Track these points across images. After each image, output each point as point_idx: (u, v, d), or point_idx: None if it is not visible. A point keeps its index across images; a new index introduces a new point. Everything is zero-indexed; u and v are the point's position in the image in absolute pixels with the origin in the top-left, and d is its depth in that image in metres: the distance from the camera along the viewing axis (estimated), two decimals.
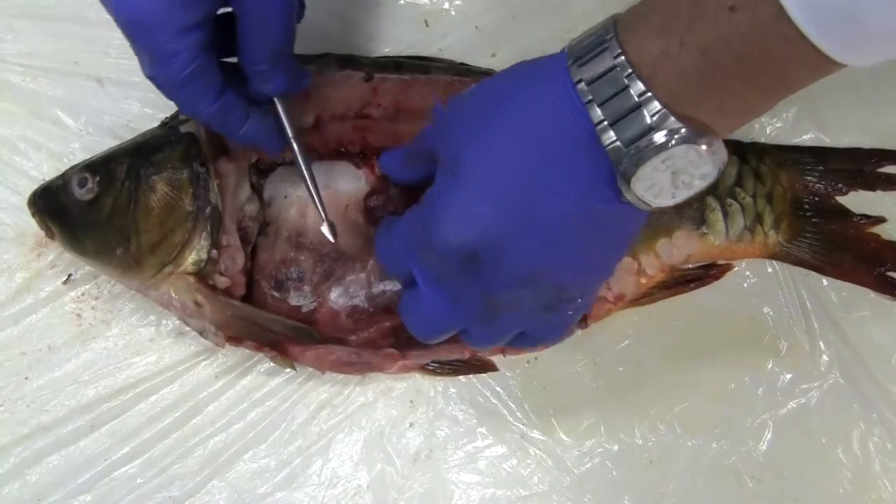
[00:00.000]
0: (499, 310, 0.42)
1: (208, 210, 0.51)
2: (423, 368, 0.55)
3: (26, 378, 0.56)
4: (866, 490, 0.55)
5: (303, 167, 0.49)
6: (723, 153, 0.37)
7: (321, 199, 0.49)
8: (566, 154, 0.38)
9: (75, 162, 0.54)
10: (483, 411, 0.57)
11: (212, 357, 0.57)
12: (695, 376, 0.57)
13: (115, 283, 0.57)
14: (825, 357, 0.56)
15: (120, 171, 0.51)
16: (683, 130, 0.36)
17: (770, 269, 0.58)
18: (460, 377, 0.57)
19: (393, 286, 0.54)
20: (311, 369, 0.56)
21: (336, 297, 0.54)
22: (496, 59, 0.58)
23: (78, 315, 0.57)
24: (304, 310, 0.54)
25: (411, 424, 0.57)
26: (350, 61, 0.54)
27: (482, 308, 0.42)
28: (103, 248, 0.51)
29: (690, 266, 0.57)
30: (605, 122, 0.37)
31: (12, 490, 0.55)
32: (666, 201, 0.38)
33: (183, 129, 0.52)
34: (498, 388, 0.57)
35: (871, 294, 0.57)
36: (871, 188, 0.56)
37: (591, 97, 0.37)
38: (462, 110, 0.43)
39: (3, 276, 0.57)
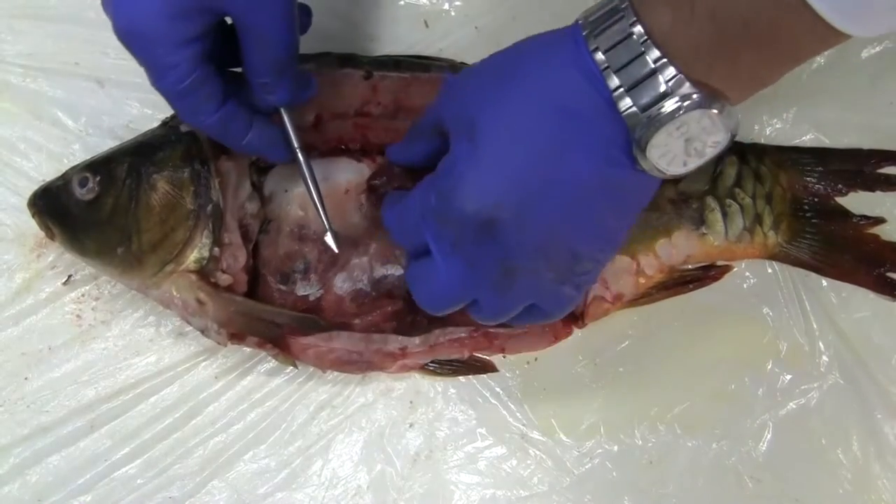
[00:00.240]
0: (513, 278, 0.42)
1: (209, 208, 0.51)
2: (423, 368, 0.55)
3: (26, 378, 0.56)
4: (866, 490, 0.55)
5: (307, 177, 0.49)
6: (735, 120, 0.38)
7: (325, 208, 0.49)
8: (583, 120, 0.39)
9: (75, 163, 0.54)
10: (483, 412, 0.57)
11: (212, 357, 0.57)
12: (694, 377, 0.57)
13: (116, 284, 0.57)
14: (825, 358, 0.56)
15: (121, 171, 0.51)
16: (697, 96, 0.37)
17: (770, 270, 0.58)
18: (460, 378, 0.57)
19: (395, 270, 0.54)
20: (311, 369, 0.56)
21: (341, 282, 0.54)
22: None
23: (78, 316, 0.57)
24: (312, 298, 0.54)
25: (411, 425, 0.57)
26: (350, 60, 0.54)
27: (497, 277, 0.42)
28: (104, 247, 0.51)
29: (689, 267, 0.57)
30: (622, 89, 0.38)
31: (12, 490, 0.55)
32: (678, 169, 0.39)
33: (183, 128, 0.52)
34: (498, 389, 0.57)
35: (871, 295, 0.57)
36: (871, 189, 0.56)
37: (607, 65, 0.38)
38: (474, 79, 0.43)
39: (3, 276, 0.57)
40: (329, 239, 0.49)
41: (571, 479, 0.56)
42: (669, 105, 0.37)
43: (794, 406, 0.56)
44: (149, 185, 0.50)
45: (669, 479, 0.56)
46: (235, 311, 0.51)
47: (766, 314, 0.57)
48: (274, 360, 0.55)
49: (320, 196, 0.49)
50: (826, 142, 0.58)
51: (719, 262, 0.57)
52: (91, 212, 0.51)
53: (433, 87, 0.53)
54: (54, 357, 0.57)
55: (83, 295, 0.57)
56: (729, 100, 0.38)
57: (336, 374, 0.56)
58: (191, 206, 0.51)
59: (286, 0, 0.43)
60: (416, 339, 0.53)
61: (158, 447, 0.56)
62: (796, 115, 0.58)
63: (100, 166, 0.51)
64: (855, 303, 0.57)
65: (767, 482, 0.56)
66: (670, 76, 0.37)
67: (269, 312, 0.52)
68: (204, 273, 0.51)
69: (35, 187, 0.53)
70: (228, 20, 0.44)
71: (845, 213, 0.56)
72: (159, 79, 0.43)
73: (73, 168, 0.53)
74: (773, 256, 0.57)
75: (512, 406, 0.57)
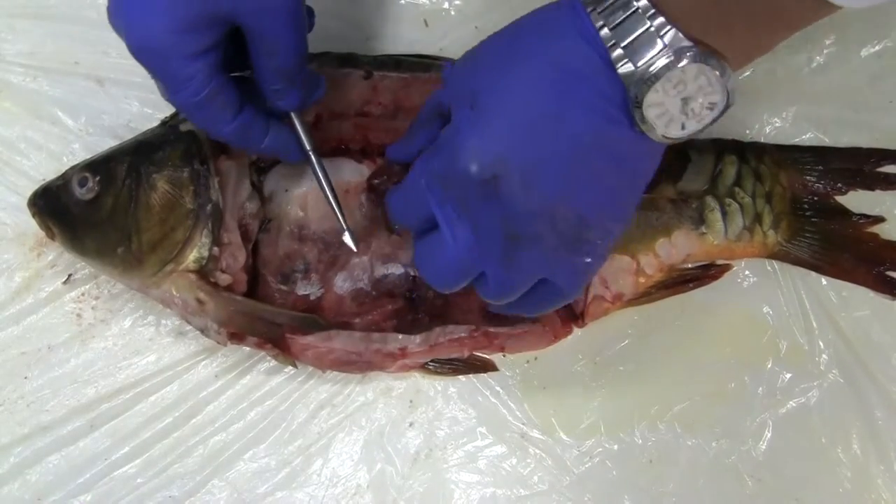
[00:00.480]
0: (519, 244, 0.42)
1: (209, 208, 0.51)
2: (423, 368, 0.55)
3: (26, 378, 0.56)
4: (866, 489, 0.55)
5: (321, 178, 0.49)
6: (731, 81, 0.38)
7: (341, 207, 0.49)
8: (582, 79, 0.39)
9: (75, 162, 0.54)
10: (483, 411, 0.57)
11: (212, 356, 0.57)
12: (694, 376, 0.57)
13: (115, 283, 0.57)
14: (825, 356, 0.57)
15: (120, 171, 0.51)
16: (693, 51, 0.37)
17: (769, 269, 0.58)
18: (460, 377, 0.57)
19: (395, 269, 0.54)
20: (311, 369, 0.56)
21: (341, 282, 0.54)
22: None
23: (78, 315, 0.57)
24: (312, 297, 0.54)
25: (411, 424, 0.57)
26: (350, 60, 0.55)
27: (503, 242, 0.42)
28: (104, 247, 0.51)
29: (689, 266, 0.57)
30: (620, 49, 0.38)
31: (12, 490, 0.55)
32: (676, 132, 0.39)
33: (183, 127, 0.52)
34: (498, 388, 0.57)
35: (871, 293, 0.57)
36: (871, 188, 0.57)
37: (602, 23, 0.38)
38: (474, 58, 0.43)
39: (3, 276, 0.57)
40: (347, 238, 0.50)
41: (571, 477, 0.56)
42: (666, 58, 0.38)
43: (793, 405, 0.56)
44: (148, 185, 0.50)
45: (669, 478, 0.56)
46: (235, 311, 0.51)
47: (765, 313, 0.57)
48: (274, 360, 0.55)
49: (336, 196, 0.49)
50: (826, 141, 0.58)
51: (719, 261, 0.57)
52: (91, 211, 0.51)
53: (433, 87, 0.53)
54: (54, 356, 0.57)
55: (83, 294, 0.57)
56: (727, 61, 0.38)
57: (336, 373, 0.56)
58: (190, 206, 0.51)
59: (295, 7, 0.43)
60: (417, 339, 0.53)
61: (158, 446, 0.56)
62: (796, 114, 0.58)
63: (99, 166, 0.51)
64: (855, 301, 0.57)
65: (767, 481, 0.56)
66: (668, 35, 0.38)
67: (269, 312, 0.52)
68: (203, 273, 0.51)
69: (35, 186, 0.53)
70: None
71: (845, 212, 0.56)
72: (176, 92, 0.43)
73: (72, 168, 0.53)
74: (772, 255, 0.57)
75: (512, 405, 0.57)
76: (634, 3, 0.38)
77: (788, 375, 0.56)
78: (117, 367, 0.57)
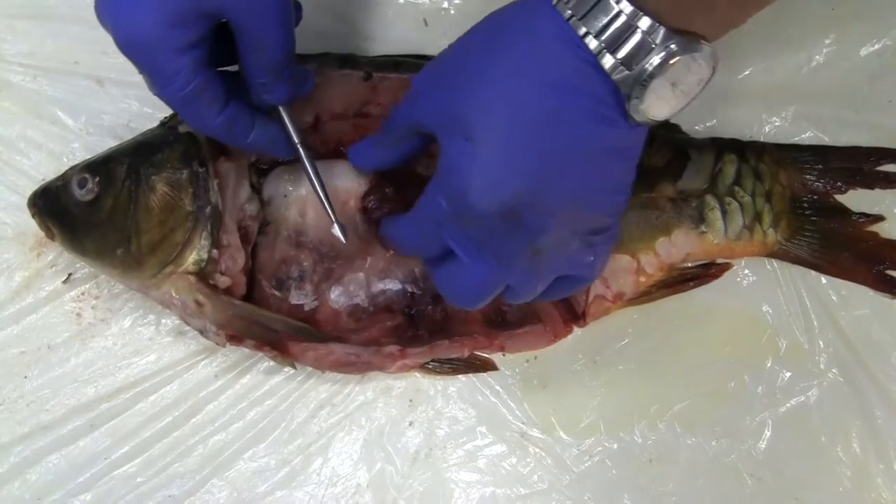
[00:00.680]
0: (542, 256, 0.42)
1: (208, 209, 0.51)
2: (423, 367, 0.55)
3: (26, 377, 0.56)
4: (866, 488, 0.55)
5: (310, 172, 0.49)
6: (715, 57, 0.39)
7: (330, 200, 0.49)
8: (571, 89, 0.39)
9: (75, 161, 0.54)
10: (482, 410, 0.57)
11: (211, 356, 0.57)
12: (694, 375, 0.57)
13: (115, 283, 0.57)
14: (824, 355, 0.57)
15: (120, 172, 0.51)
16: (678, 44, 0.38)
17: (769, 268, 0.58)
18: (460, 376, 0.57)
19: (392, 285, 0.54)
20: (310, 368, 0.56)
21: (336, 296, 0.54)
22: None
23: (78, 314, 0.57)
24: (306, 308, 0.54)
25: (411, 423, 0.57)
26: (349, 60, 0.54)
27: (527, 260, 0.42)
28: (104, 248, 0.51)
29: (689, 265, 0.57)
30: (603, 49, 0.38)
31: (12, 489, 0.55)
32: (667, 113, 0.40)
33: (182, 128, 0.52)
34: (497, 387, 0.57)
35: (870, 292, 0.57)
36: (870, 186, 0.57)
37: (585, 29, 0.38)
38: (447, 71, 0.43)
39: (3, 275, 0.57)
40: (336, 231, 0.49)
41: (571, 476, 0.56)
42: (654, 59, 0.38)
43: (793, 404, 0.56)
44: (148, 187, 0.50)
45: (669, 477, 0.56)
46: (233, 314, 0.51)
47: (765, 312, 0.57)
48: (273, 361, 0.55)
49: (324, 189, 0.49)
50: (825, 140, 0.58)
51: (719, 260, 0.57)
52: (90, 212, 0.51)
53: None
54: (54, 356, 0.57)
55: (83, 293, 0.57)
56: (707, 39, 0.39)
57: (336, 373, 0.56)
58: (189, 208, 0.50)
59: (281, 2, 0.43)
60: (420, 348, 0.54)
61: (158, 446, 0.56)
62: (795, 113, 0.58)
63: (99, 167, 0.51)
64: (854, 300, 0.57)
65: (767, 480, 0.56)
66: (656, 34, 0.38)
67: (267, 318, 0.52)
68: (203, 275, 0.51)
69: (35, 186, 0.53)
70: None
71: (844, 211, 0.56)
72: (162, 86, 0.43)
73: (72, 168, 0.53)
74: (772, 254, 0.57)
75: (512, 404, 0.57)
76: (615, 6, 0.37)
77: (788, 374, 0.56)
78: (117, 366, 0.57)
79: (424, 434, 0.56)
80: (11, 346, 0.57)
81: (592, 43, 0.38)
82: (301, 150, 0.49)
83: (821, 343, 0.57)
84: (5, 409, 0.56)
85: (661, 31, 0.37)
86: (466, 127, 0.40)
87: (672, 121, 0.58)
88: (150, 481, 0.55)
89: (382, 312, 0.54)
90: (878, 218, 0.56)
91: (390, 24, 0.59)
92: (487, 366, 0.56)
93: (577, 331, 0.55)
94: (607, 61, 0.38)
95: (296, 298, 0.54)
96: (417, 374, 0.57)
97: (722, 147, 0.56)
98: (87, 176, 0.51)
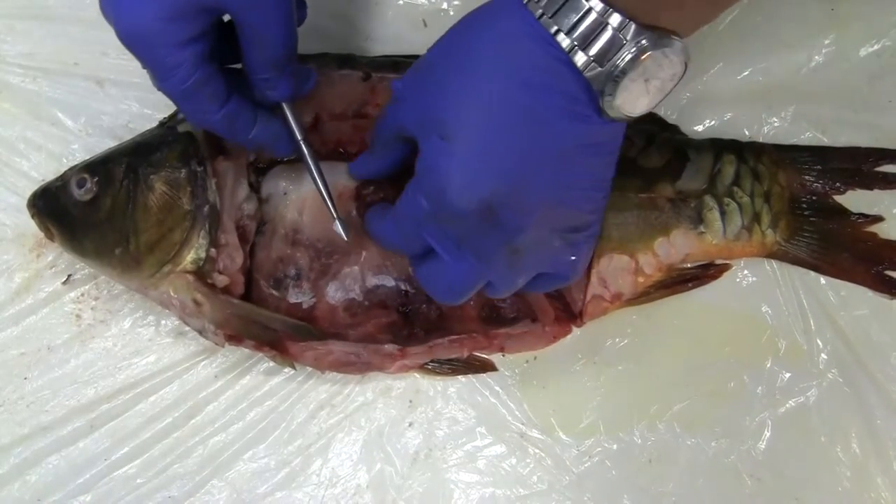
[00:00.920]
0: (521, 255, 0.43)
1: (206, 209, 0.51)
2: (422, 368, 0.55)
3: (26, 378, 0.57)
4: (865, 488, 0.55)
5: (312, 169, 0.49)
6: (687, 51, 0.39)
7: (332, 197, 0.50)
8: (544, 88, 0.39)
9: (75, 163, 0.54)
10: (482, 411, 0.57)
11: (211, 357, 0.57)
12: (694, 375, 0.57)
13: (115, 284, 0.57)
14: (823, 356, 0.57)
15: (118, 172, 0.51)
16: (647, 40, 0.38)
17: (768, 269, 0.58)
18: (459, 377, 0.57)
19: (387, 281, 0.54)
20: (310, 369, 0.56)
21: (333, 291, 0.54)
22: None
23: (77, 315, 0.57)
24: (304, 306, 0.54)
25: (410, 424, 0.57)
26: (348, 61, 0.54)
27: (506, 256, 0.43)
28: (102, 248, 0.51)
29: (688, 265, 0.57)
30: (576, 47, 0.38)
31: (12, 490, 0.55)
32: (641, 109, 0.40)
33: (181, 128, 0.52)
34: (497, 388, 0.57)
35: (869, 293, 0.57)
36: (869, 187, 0.57)
37: (556, 27, 0.38)
38: (425, 75, 0.43)
39: (3, 276, 0.57)
40: (338, 227, 0.50)
41: (571, 477, 0.56)
42: (626, 54, 0.38)
43: (793, 404, 0.56)
44: (146, 186, 0.51)
45: (669, 478, 0.56)
46: (232, 314, 0.51)
47: (764, 312, 0.57)
48: (272, 361, 0.55)
49: (327, 186, 0.49)
50: (824, 140, 0.58)
51: (718, 261, 0.57)
52: (89, 212, 0.51)
53: None
54: (54, 357, 0.57)
55: (82, 294, 0.57)
56: (678, 34, 0.39)
57: (335, 373, 0.56)
58: (188, 207, 0.51)
59: None
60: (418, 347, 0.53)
61: (158, 447, 0.56)
62: (794, 113, 0.58)
63: (97, 167, 0.51)
64: (853, 301, 0.57)
65: (767, 480, 0.56)
66: (626, 30, 0.38)
67: (265, 317, 0.52)
68: (201, 274, 0.51)
69: (34, 187, 0.53)
70: (227, 18, 0.44)
71: (843, 212, 0.56)
72: (163, 80, 0.43)
73: (71, 169, 0.53)
74: (771, 255, 0.57)
75: (511, 405, 0.57)
76: (585, 3, 0.38)
77: (787, 375, 0.56)
78: (117, 367, 0.57)
79: (424, 435, 0.56)
80: (11, 347, 0.57)
81: (564, 41, 0.39)
82: (304, 146, 0.49)
83: (820, 343, 0.57)
84: (5, 410, 0.56)
85: (632, 27, 0.38)
86: (442, 126, 0.40)
87: (671, 121, 0.58)
88: (149, 482, 0.55)
89: (377, 308, 0.54)
90: (877, 218, 0.56)
91: (390, 25, 0.59)
92: (487, 366, 0.56)
93: (576, 331, 0.55)
94: (579, 59, 0.39)
95: (294, 297, 0.54)
96: (417, 375, 0.57)
97: (721, 147, 0.56)
98: (85, 176, 0.51)
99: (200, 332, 0.52)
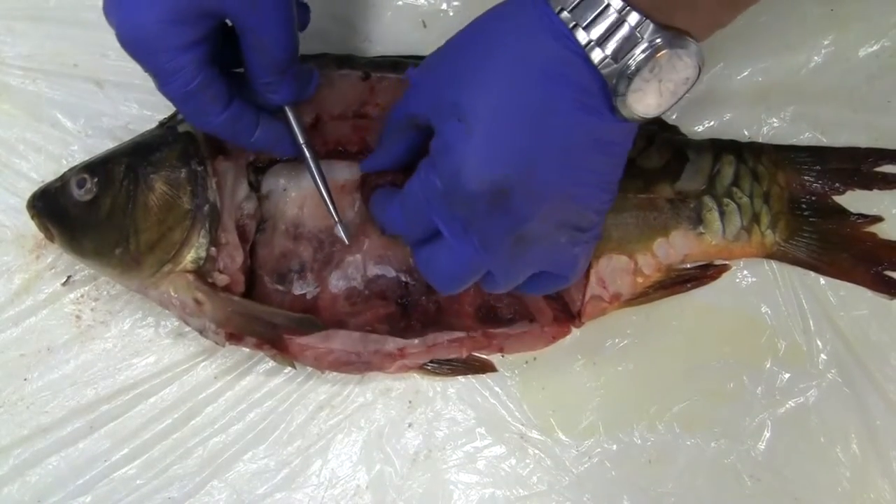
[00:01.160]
0: (526, 245, 0.43)
1: (206, 208, 0.51)
2: (422, 368, 0.55)
3: (26, 379, 0.57)
4: (865, 489, 0.55)
5: (314, 171, 0.50)
6: (702, 56, 0.40)
7: (333, 200, 0.50)
8: (561, 78, 0.40)
9: (74, 164, 0.54)
10: (482, 411, 0.57)
11: (211, 358, 0.57)
12: (693, 376, 0.57)
13: (115, 285, 0.57)
14: (823, 356, 0.57)
15: (118, 172, 0.51)
16: (662, 38, 0.39)
17: (768, 269, 0.58)
18: (459, 377, 0.57)
19: (387, 272, 0.54)
20: (310, 370, 0.56)
21: (336, 280, 0.54)
22: None
23: (77, 316, 0.57)
24: (308, 297, 0.54)
25: (410, 425, 0.57)
26: (347, 61, 0.55)
27: (511, 245, 0.43)
28: (103, 248, 0.51)
29: (687, 266, 0.57)
30: (592, 42, 0.39)
31: (12, 491, 0.55)
32: (653, 111, 0.41)
33: (181, 128, 0.52)
34: (497, 389, 0.57)
35: (869, 293, 0.57)
36: (868, 187, 0.57)
37: (574, 23, 0.39)
38: (443, 61, 0.44)
39: (3, 278, 0.57)
40: (339, 231, 0.50)
41: (570, 478, 0.56)
42: (640, 52, 0.39)
43: (792, 404, 0.56)
44: (146, 186, 0.51)
45: (668, 478, 0.56)
46: (233, 312, 0.51)
47: (764, 313, 0.57)
48: (273, 361, 0.55)
49: (328, 189, 0.50)
50: (823, 140, 0.58)
51: (717, 262, 0.57)
52: (89, 212, 0.51)
53: None
54: (53, 358, 0.57)
55: (82, 296, 0.57)
56: (694, 37, 0.40)
57: (335, 374, 0.56)
58: (188, 206, 0.51)
59: (283, 1, 0.44)
60: (415, 340, 0.53)
61: (158, 448, 0.56)
62: (794, 113, 0.58)
63: (97, 167, 0.52)
64: (853, 301, 0.57)
65: (766, 481, 0.56)
66: (643, 28, 0.39)
67: (267, 313, 0.52)
68: (201, 273, 0.51)
69: (34, 188, 0.53)
70: (229, 22, 0.44)
71: (843, 212, 0.56)
72: (165, 83, 0.44)
73: (71, 169, 0.53)
74: (770, 255, 0.57)
75: (511, 405, 0.57)
76: (604, 0, 0.39)
77: (787, 375, 0.56)
78: (117, 368, 0.57)
79: (424, 435, 0.56)
80: (11, 348, 0.57)
81: (582, 36, 0.39)
82: (306, 150, 0.49)
83: (819, 344, 0.57)
84: (5, 411, 0.56)
85: (650, 26, 0.39)
86: (460, 109, 0.41)
87: (670, 122, 0.58)
88: (149, 483, 0.55)
89: (376, 298, 0.54)
90: (877, 219, 0.56)
91: (389, 26, 0.59)
92: (486, 367, 0.56)
93: (575, 332, 0.55)
94: (596, 55, 0.39)
95: (299, 289, 0.54)
96: (416, 376, 0.57)
97: (720, 148, 0.56)
98: (85, 176, 0.51)
99: (201, 332, 0.52)
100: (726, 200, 0.55)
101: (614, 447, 0.56)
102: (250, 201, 0.53)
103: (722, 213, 0.55)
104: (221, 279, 0.52)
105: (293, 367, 0.54)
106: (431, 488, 0.56)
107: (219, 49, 0.45)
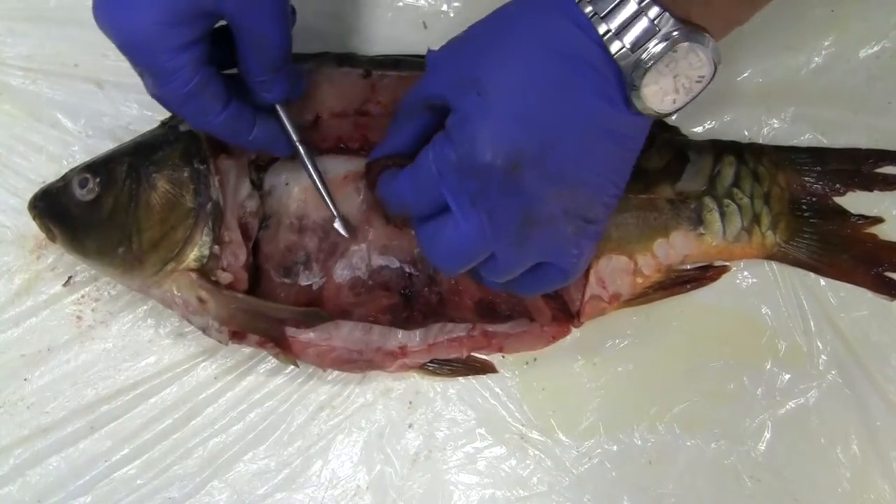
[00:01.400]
0: (533, 226, 0.43)
1: (209, 206, 0.51)
2: (422, 369, 0.55)
3: (26, 380, 0.57)
4: (865, 489, 0.55)
5: (310, 169, 0.50)
6: (718, 53, 0.40)
7: (331, 195, 0.50)
8: (580, 64, 0.41)
9: (75, 164, 0.54)
10: (482, 412, 0.57)
11: (211, 358, 0.57)
12: (693, 376, 0.57)
13: (115, 285, 0.57)
14: (823, 357, 0.57)
15: (120, 171, 0.51)
16: (680, 32, 0.39)
17: (768, 270, 0.58)
18: (459, 378, 0.57)
19: (391, 262, 0.54)
20: (311, 370, 0.56)
21: (341, 269, 0.54)
22: None
23: (78, 317, 0.57)
24: (314, 287, 0.54)
25: (410, 425, 0.57)
26: (348, 59, 0.55)
27: (517, 227, 0.43)
28: (105, 247, 0.51)
29: (687, 267, 0.57)
30: (611, 33, 0.40)
31: (12, 491, 0.55)
32: (668, 107, 0.41)
33: (182, 127, 0.52)
34: (497, 389, 0.57)
35: (869, 294, 0.57)
36: (869, 188, 0.57)
37: (595, 12, 0.40)
38: (464, 44, 0.45)
39: (3, 278, 0.57)
40: (338, 225, 0.51)
41: (570, 478, 0.56)
42: (656, 44, 0.39)
43: (792, 405, 0.56)
44: (148, 185, 0.51)
45: (669, 479, 0.56)
46: (236, 309, 0.51)
47: (764, 314, 0.57)
48: (274, 361, 0.55)
49: (325, 184, 0.50)
50: (824, 141, 0.58)
51: (717, 263, 0.57)
52: (91, 212, 0.51)
53: None
54: (54, 358, 0.57)
55: (83, 296, 0.58)
56: (712, 34, 0.40)
57: (336, 374, 0.56)
58: (190, 205, 0.51)
59: (279, 1, 0.44)
60: (416, 336, 0.53)
61: (158, 448, 0.56)
62: (794, 114, 0.58)
63: (99, 166, 0.52)
64: (853, 302, 0.57)
65: (766, 481, 0.56)
66: (661, 21, 0.39)
67: (271, 308, 0.52)
68: (204, 271, 0.51)
69: (35, 189, 0.53)
70: (220, 24, 0.45)
71: (843, 213, 0.57)
72: (163, 84, 0.44)
73: (72, 169, 0.53)
74: (771, 256, 0.57)
75: (511, 406, 0.57)
76: None
77: (787, 376, 0.56)
78: (117, 368, 0.57)
79: (424, 436, 0.56)
80: (11, 348, 0.57)
81: (601, 27, 0.40)
82: (300, 147, 0.50)
83: (820, 345, 0.57)
84: (5, 411, 0.56)
85: (669, 19, 0.39)
86: (479, 84, 0.41)
87: (671, 123, 0.58)
88: (150, 483, 0.55)
89: (380, 289, 0.54)
90: (877, 220, 0.56)
91: (389, 27, 0.59)
92: (487, 368, 0.56)
93: (575, 332, 0.55)
94: (615, 46, 0.40)
95: (305, 280, 0.54)
96: (417, 376, 0.57)
97: (721, 149, 0.56)
98: (87, 176, 0.51)
99: (204, 331, 0.52)
100: (727, 201, 0.55)
101: (614, 448, 0.56)
102: (253, 199, 0.53)
103: (722, 214, 0.55)
104: (225, 277, 0.52)
105: (296, 365, 0.54)
106: (432, 489, 0.56)
107: (214, 50, 0.45)
